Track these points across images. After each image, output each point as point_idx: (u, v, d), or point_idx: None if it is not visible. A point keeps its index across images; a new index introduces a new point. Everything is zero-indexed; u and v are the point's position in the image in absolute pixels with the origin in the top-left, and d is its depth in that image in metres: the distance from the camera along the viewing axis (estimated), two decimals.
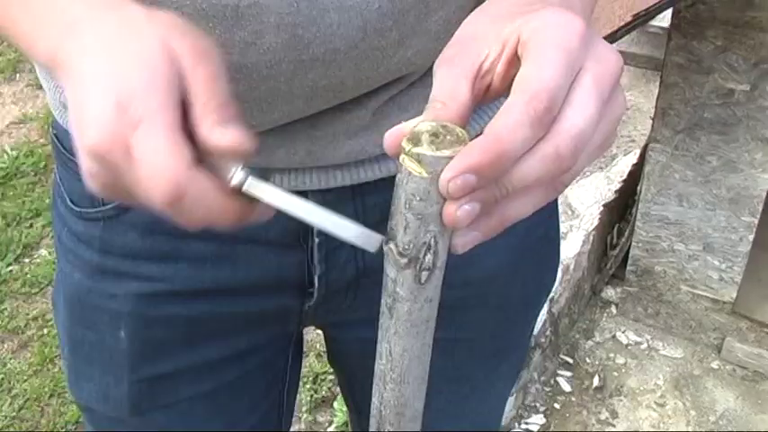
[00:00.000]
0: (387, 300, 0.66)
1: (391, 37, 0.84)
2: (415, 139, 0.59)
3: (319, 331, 1.25)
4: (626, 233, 2.94)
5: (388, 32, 0.83)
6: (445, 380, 1.17)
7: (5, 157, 3.76)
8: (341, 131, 0.90)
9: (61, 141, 1.02)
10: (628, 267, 2.81)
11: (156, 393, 1.09)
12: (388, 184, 0.97)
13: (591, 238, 2.84)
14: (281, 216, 0.96)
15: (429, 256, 0.63)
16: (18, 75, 4.41)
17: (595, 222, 2.88)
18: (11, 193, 3.57)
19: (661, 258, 2.70)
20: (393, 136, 0.61)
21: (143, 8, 0.68)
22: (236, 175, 0.62)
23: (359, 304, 1.06)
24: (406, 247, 0.62)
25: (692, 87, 2.34)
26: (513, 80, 0.60)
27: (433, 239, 0.62)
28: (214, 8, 0.77)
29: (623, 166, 3.17)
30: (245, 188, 0.62)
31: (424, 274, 0.64)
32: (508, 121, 0.58)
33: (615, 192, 3.02)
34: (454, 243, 0.63)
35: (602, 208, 2.94)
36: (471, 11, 0.91)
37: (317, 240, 0.99)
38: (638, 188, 2.74)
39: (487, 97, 0.64)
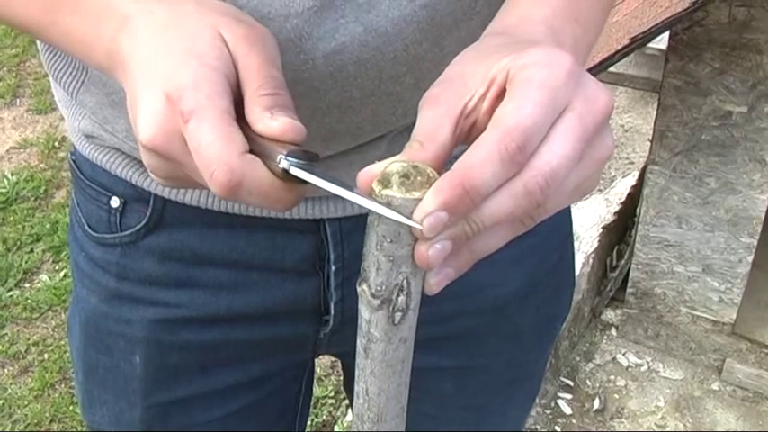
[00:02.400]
0: (362, 340, 0.66)
1: (406, 82, 0.84)
2: (385, 181, 0.59)
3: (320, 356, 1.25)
4: (625, 255, 2.94)
5: (403, 78, 0.83)
6: (458, 408, 1.17)
7: (6, 182, 3.76)
8: (357, 161, 0.90)
9: (80, 167, 1.03)
10: (627, 289, 2.81)
11: (168, 419, 1.09)
12: None
13: (590, 260, 2.84)
14: (297, 244, 0.97)
15: (402, 298, 0.62)
16: (18, 100, 4.42)
17: (595, 245, 2.88)
18: (11, 218, 3.58)
19: (661, 280, 2.70)
20: (365, 176, 0.60)
21: (196, 2, 0.69)
22: (283, 161, 0.62)
23: None
24: (379, 288, 0.62)
25: (689, 109, 2.35)
26: None
27: (405, 281, 0.62)
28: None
29: (622, 188, 3.18)
30: (292, 171, 0.62)
31: (398, 315, 0.63)
32: (477, 157, 0.58)
33: (614, 214, 3.02)
34: (428, 283, 0.63)
35: (601, 230, 2.94)
36: None
37: (333, 267, 0.99)
38: (637, 210, 2.74)
39: (472, 135, 0.63)
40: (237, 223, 0.95)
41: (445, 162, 0.61)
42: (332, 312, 1.02)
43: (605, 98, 0.62)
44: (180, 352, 1.03)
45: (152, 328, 1.02)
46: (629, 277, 2.78)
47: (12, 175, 3.81)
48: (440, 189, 0.57)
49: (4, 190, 3.71)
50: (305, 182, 0.63)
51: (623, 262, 2.94)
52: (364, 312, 0.64)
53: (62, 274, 3.28)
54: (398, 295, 0.62)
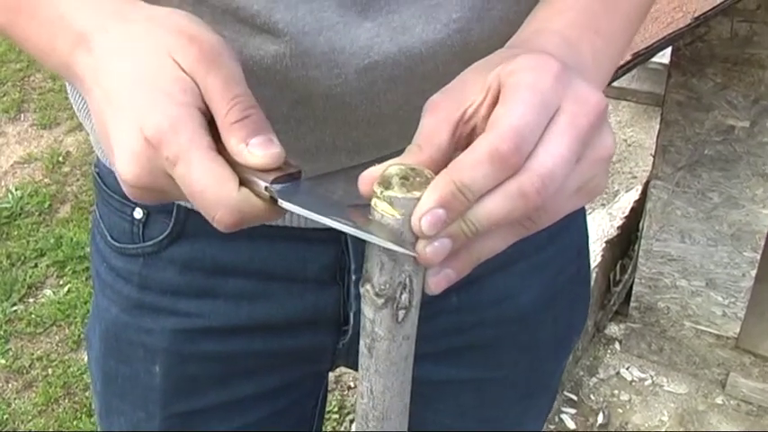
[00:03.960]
0: (366, 340, 0.67)
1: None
2: (385, 183, 0.61)
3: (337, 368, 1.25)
4: (629, 269, 2.95)
5: (429, 93, 0.84)
6: (477, 420, 1.17)
7: (10, 196, 3.77)
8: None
9: (103, 179, 1.04)
10: (631, 304, 2.81)
11: (186, 429, 1.09)
12: None
13: (594, 274, 2.84)
14: (318, 254, 0.97)
15: (405, 295, 0.64)
16: (23, 114, 4.43)
17: (598, 259, 2.89)
18: (15, 233, 3.58)
19: (664, 295, 2.70)
20: (366, 179, 0.62)
21: (146, 16, 0.69)
22: (269, 189, 0.64)
23: None
24: (383, 287, 0.64)
25: (692, 124, 2.36)
26: None
27: (407, 279, 0.64)
28: (264, 71, 0.79)
29: (625, 202, 3.18)
30: (280, 203, 0.64)
31: (401, 312, 0.65)
32: (469, 158, 0.60)
33: (617, 228, 3.03)
34: (428, 282, 0.65)
35: (604, 244, 2.95)
36: None
37: (353, 277, 0.99)
38: (641, 224, 2.74)
39: (472, 141, 0.64)
40: (258, 234, 0.96)
41: (442, 165, 0.62)
42: (351, 322, 1.03)
43: (596, 98, 0.63)
44: (200, 362, 1.04)
45: (173, 339, 1.02)
46: (633, 292, 2.78)
47: (16, 189, 3.82)
48: (435, 187, 0.60)
49: (8, 205, 3.72)
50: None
51: (627, 276, 2.94)
52: (368, 312, 0.66)
53: (66, 289, 3.28)
54: (401, 293, 0.64)
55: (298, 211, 0.64)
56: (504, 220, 0.61)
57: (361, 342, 0.68)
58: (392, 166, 0.62)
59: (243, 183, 0.64)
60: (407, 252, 0.61)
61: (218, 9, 0.77)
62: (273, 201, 0.64)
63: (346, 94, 0.80)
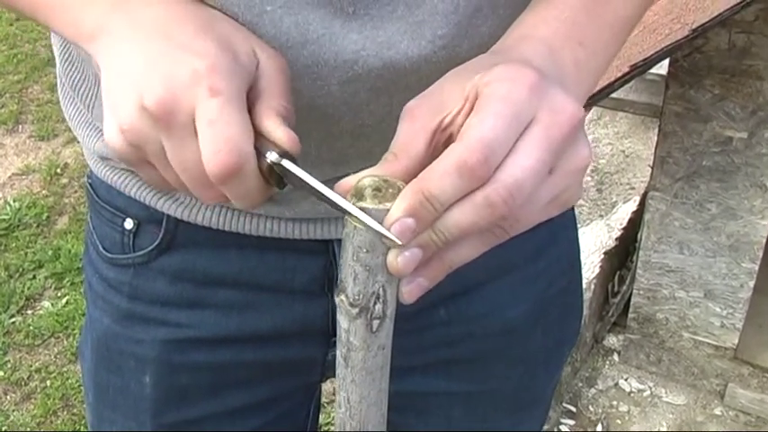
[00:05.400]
0: (342, 350, 0.68)
1: None
2: (358, 194, 0.62)
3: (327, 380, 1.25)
4: (627, 281, 2.94)
5: None
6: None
7: (8, 208, 3.77)
8: None
9: (96, 191, 1.04)
10: (629, 315, 2.81)
11: None
12: None
13: (592, 285, 2.84)
14: (306, 265, 0.97)
15: (379, 305, 0.65)
16: (21, 126, 4.43)
17: (596, 270, 2.89)
18: (13, 245, 3.58)
19: (662, 306, 2.70)
20: (340, 189, 0.64)
21: (220, 14, 0.72)
22: (273, 155, 0.66)
23: None
24: (357, 297, 0.65)
25: (690, 135, 2.36)
26: None
27: (381, 289, 0.64)
28: None
29: (623, 213, 3.18)
30: (284, 164, 0.66)
31: (375, 322, 0.66)
32: (438, 168, 0.60)
33: (615, 239, 3.03)
34: (402, 291, 0.66)
35: (602, 255, 2.95)
36: None
37: None
38: (639, 236, 2.75)
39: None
40: (248, 244, 0.96)
41: (418, 174, 0.63)
42: None
43: (572, 109, 0.63)
44: (190, 373, 1.04)
45: (162, 349, 1.02)
46: (631, 303, 2.78)
47: (14, 201, 3.82)
48: (404, 196, 0.61)
49: (6, 216, 3.72)
50: (280, 186, 0.68)
51: (625, 287, 2.94)
52: (343, 322, 0.67)
53: (64, 300, 3.28)
54: (375, 303, 0.65)
55: (300, 174, 0.66)
56: (472, 229, 0.62)
57: (338, 352, 0.69)
58: (366, 178, 0.63)
59: None
60: (390, 237, 0.61)
61: None
62: (270, 173, 0.66)
63: (329, 105, 0.81)
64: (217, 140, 0.64)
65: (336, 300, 0.66)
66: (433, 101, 0.66)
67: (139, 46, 0.68)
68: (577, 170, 0.65)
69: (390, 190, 0.62)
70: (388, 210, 0.61)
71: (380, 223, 0.61)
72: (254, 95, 0.68)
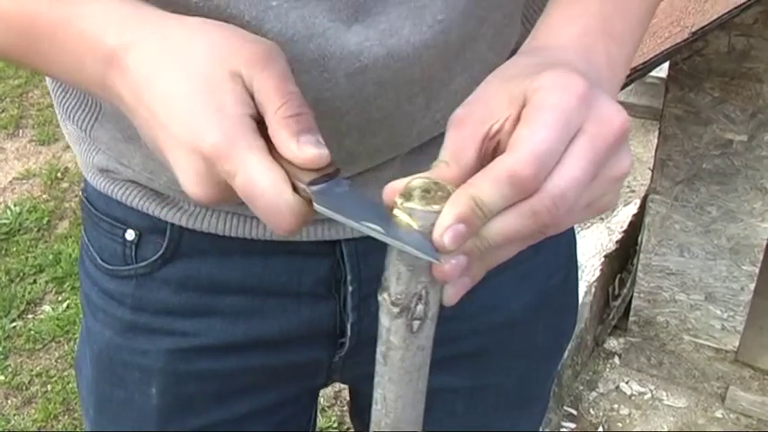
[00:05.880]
0: (381, 348, 0.68)
1: (419, 103, 0.85)
2: (407, 195, 0.62)
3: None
4: (627, 284, 2.94)
5: (416, 99, 0.85)
6: (470, 428, 1.17)
7: (8, 213, 3.76)
8: (372, 181, 0.91)
9: (92, 203, 1.04)
10: (630, 318, 2.81)
11: None
12: None
13: (593, 288, 2.84)
14: (313, 267, 0.97)
15: (420, 306, 0.65)
16: (21, 131, 4.43)
17: (597, 273, 2.89)
18: (14, 249, 3.58)
19: (663, 308, 2.70)
20: (389, 190, 0.63)
21: (179, 25, 0.69)
22: (309, 191, 0.65)
23: None
24: (399, 297, 0.64)
25: (690, 138, 2.36)
26: None
27: (424, 290, 0.64)
28: None
29: (623, 216, 3.18)
30: (315, 207, 0.65)
31: (416, 323, 0.66)
32: (490, 176, 0.61)
33: (616, 242, 3.03)
34: (446, 294, 0.66)
35: (603, 259, 2.95)
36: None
37: (350, 288, 1.00)
38: (639, 239, 2.75)
39: (497, 155, 0.65)
40: (253, 249, 0.96)
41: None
42: (348, 334, 1.03)
43: (619, 119, 0.64)
44: (196, 381, 1.04)
45: (169, 359, 1.02)
46: (632, 306, 2.78)
47: (15, 205, 3.82)
48: (454, 202, 0.60)
49: (6, 221, 3.72)
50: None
51: (625, 290, 2.94)
52: (384, 320, 0.67)
53: (65, 305, 3.28)
54: (417, 304, 0.65)
55: (330, 215, 0.65)
56: (515, 237, 0.63)
57: (377, 349, 0.69)
58: (416, 179, 0.63)
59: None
60: (431, 259, 0.61)
61: None
62: (309, 202, 0.65)
63: (336, 98, 0.81)
64: (265, 214, 0.65)
65: (379, 297, 0.65)
66: (480, 108, 0.66)
67: (143, 123, 0.69)
68: (617, 179, 0.65)
69: (439, 193, 0.62)
70: (436, 212, 0.61)
71: (430, 224, 0.61)
72: (261, 110, 0.67)
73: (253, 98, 0.67)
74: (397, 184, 0.63)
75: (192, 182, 0.66)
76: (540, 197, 0.61)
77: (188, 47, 0.67)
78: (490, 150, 0.65)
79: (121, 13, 0.70)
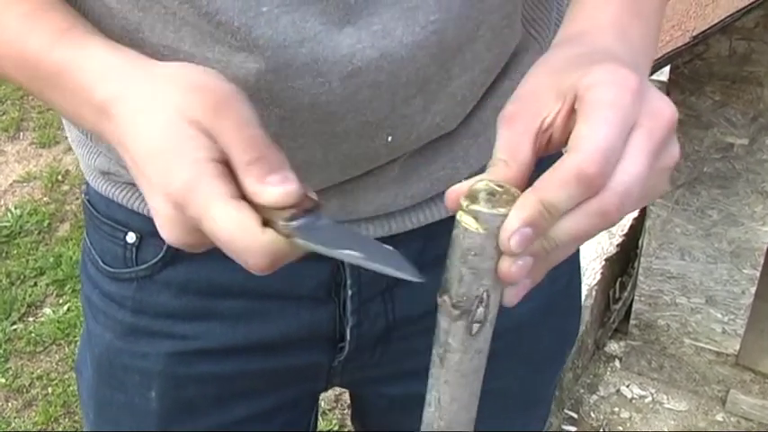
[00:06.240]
0: (438, 350, 0.68)
1: (416, 104, 0.85)
2: (472, 197, 0.62)
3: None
4: (628, 287, 2.94)
5: (413, 100, 0.84)
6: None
7: (9, 215, 3.76)
8: (371, 185, 0.91)
9: (94, 206, 1.04)
10: (631, 321, 2.81)
11: None
12: (417, 235, 0.99)
13: (593, 292, 2.84)
14: (313, 271, 0.98)
15: (481, 309, 0.65)
16: (22, 133, 4.43)
17: (597, 277, 2.89)
18: (15, 252, 3.58)
19: (664, 312, 2.70)
20: (453, 193, 0.64)
21: (159, 75, 0.70)
22: (288, 228, 0.65)
23: (386, 360, 1.07)
24: (460, 299, 0.65)
25: (691, 142, 2.36)
26: (571, 132, 0.63)
27: (485, 293, 0.65)
28: (249, 89, 0.79)
29: (624, 219, 3.18)
30: (296, 242, 0.66)
31: (476, 326, 0.66)
32: (556, 177, 0.61)
33: (617, 246, 3.03)
34: (508, 295, 0.66)
35: (604, 262, 2.95)
36: (496, 72, 0.92)
37: (349, 292, 1.00)
38: (640, 242, 2.75)
39: (549, 149, 0.67)
40: None
41: (528, 177, 0.64)
42: (348, 338, 1.03)
43: (670, 111, 0.64)
44: (196, 385, 1.04)
45: (169, 362, 1.02)
46: (633, 309, 2.78)
47: (15, 208, 3.82)
48: (522, 206, 0.61)
49: (7, 223, 3.72)
50: None
51: (626, 294, 2.94)
52: (443, 322, 0.67)
53: (66, 307, 3.28)
54: (478, 307, 0.65)
55: (313, 249, 0.65)
56: (584, 236, 0.63)
57: (434, 351, 0.69)
58: (480, 182, 0.63)
59: (267, 223, 0.65)
60: (414, 279, 0.62)
61: (198, 31, 0.77)
62: (287, 238, 0.66)
63: (332, 102, 0.81)
64: (238, 257, 0.66)
65: (438, 299, 0.65)
66: (528, 104, 0.67)
67: (130, 168, 0.71)
68: (668, 168, 0.66)
69: (504, 195, 0.62)
70: (502, 215, 0.61)
71: (495, 227, 0.61)
72: (228, 160, 0.67)
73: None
74: (461, 187, 0.63)
75: (165, 227, 0.67)
76: (607, 195, 0.61)
77: (155, 99, 0.69)
78: (543, 145, 0.66)
79: (109, 62, 0.73)
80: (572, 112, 0.64)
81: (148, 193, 0.68)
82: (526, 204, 0.60)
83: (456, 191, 0.63)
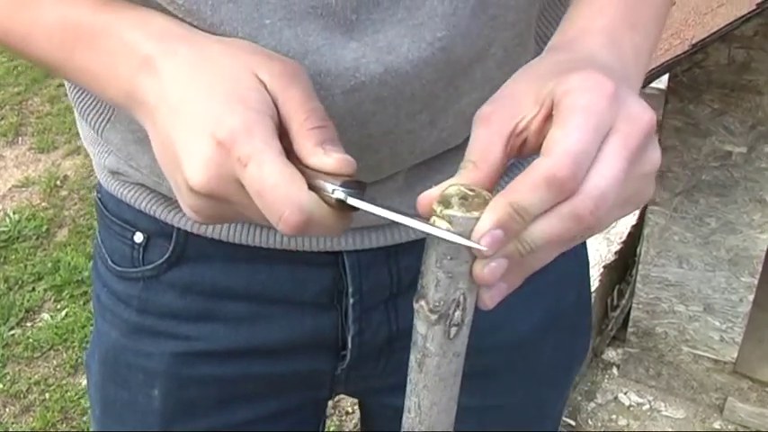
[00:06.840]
0: (416, 355, 0.69)
1: (422, 120, 0.85)
2: (445, 202, 0.63)
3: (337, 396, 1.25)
4: (626, 294, 2.95)
5: (419, 115, 0.84)
6: None
7: (7, 220, 3.77)
8: (375, 193, 0.91)
9: (105, 205, 1.05)
10: (629, 329, 2.81)
11: None
12: (421, 245, 0.99)
13: (591, 299, 2.84)
14: (315, 277, 0.98)
15: (458, 313, 0.66)
16: (20, 138, 4.44)
17: (596, 284, 2.89)
18: (13, 257, 3.58)
19: (662, 320, 2.70)
20: (425, 199, 0.64)
21: (216, 40, 0.72)
22: (338, 192, 0.66)
23: (390, 370, 1.06)
24: (437, 304, 0.65)
25: (689, 150, 2.37)
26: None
27: (462, 296, 0.65)
28: None
29: (623, 227, 3.18)
30: (349, 201, 0.66)
31: (453, 329, 0.67)
32: (527, 181, 0.61)
33: (615, 253, 3.03)
34: (482, 298, 0.66)
35: (602, 269, 2.95)
36: None
37: (351, 300, 1.00)
38: (638, 250, 2.75)
39: (523, 153, 0.67)
40: (258, 256, 0.97)
41: (497, 180, 0.65)
42: (349, 347, 1.03)
43: (648, 116, 0.64)
44: (198, 386, 1.04)
45: (171, 362, 1.03)
46: (631, 317, 2.78)
47: (14, 213, 3.82)
48: (493, 208, 0.61)
49: (5, 228, 3.72)
50: (355, 209, 0.67)
51: (624, 301, 2.94)
52: (420, 328, 0.67)
53: (63, 313, 3.28)
54: (455, 310, 0.66)
55: (369, 209, 0.66)
56: (558, 240, 0.63)
57: (412, 357, 0.69)
58: (451, 186, 0.63)
59: (310, 188, 0.66)
60: (476, 246, 0.61)
61: None
62: (341, 204, 0.66)
63: (334, 116, 0.80)
64: (273, 208, 0.65)
65: (415, 305, 0.66)
66: (505, 106, 0.67)
67: (158, 121, 0.70)
68: (649, 173, 0.66)
69: (476, 199, 0.63)
70: (476, 218, 0.61)
71: (468, 232, 0.61)
72: (285, 124, 0.68)
73: (277, 109, 0.68)
74: (433, 192, 0.64)
75: (196, 165, 0.66)
76: (579, 198, 0.61)
77: (220, 58, 0.69)
78: (516, 148, 0.66)
79: (159, 24, 0.73)
80: (549, 118, 0.65)
81: (186, 133, 0.66)
82: (497, 207, 0.61)
83: (428, 196, 0.64)
